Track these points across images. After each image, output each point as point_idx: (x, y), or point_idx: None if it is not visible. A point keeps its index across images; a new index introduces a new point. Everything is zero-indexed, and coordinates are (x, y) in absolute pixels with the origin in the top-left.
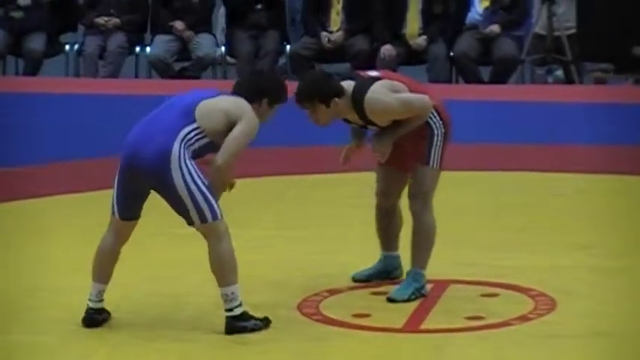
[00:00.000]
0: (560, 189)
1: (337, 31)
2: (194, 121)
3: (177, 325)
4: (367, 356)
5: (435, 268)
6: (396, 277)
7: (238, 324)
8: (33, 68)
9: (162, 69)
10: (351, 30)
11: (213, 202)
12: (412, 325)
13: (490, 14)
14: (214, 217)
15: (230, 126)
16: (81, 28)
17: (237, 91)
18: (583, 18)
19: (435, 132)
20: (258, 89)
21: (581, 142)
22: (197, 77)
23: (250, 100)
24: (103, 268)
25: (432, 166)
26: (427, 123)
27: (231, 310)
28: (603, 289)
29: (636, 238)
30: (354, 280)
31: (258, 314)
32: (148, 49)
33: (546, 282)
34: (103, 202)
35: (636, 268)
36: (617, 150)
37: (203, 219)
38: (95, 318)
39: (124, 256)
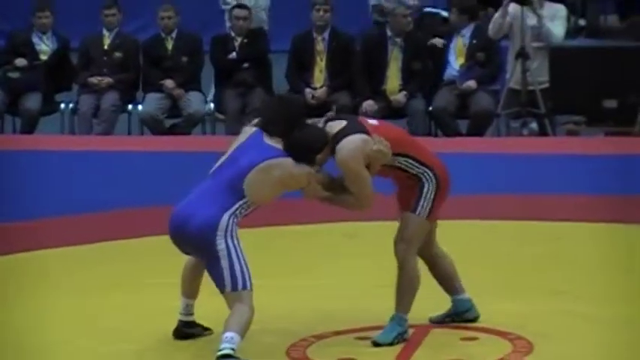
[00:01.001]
0: (536, 237)
1: (321, 87)
2: (244, 196)
3: None
4: None
5: (417, 313)
6: (470, 320)
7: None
8: (29, 126)
9: (153, 126)
10: (334, 86)
11: (247, 271)
12: None
13: (466, 70)
14: (244, 287)
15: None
16: (75, 88)
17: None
18: (555, 73)
19: (426, 185)
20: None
21: (555, 191)
22: (187, 133)
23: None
24: (187, 283)
25: (419, 214)
26: (418, 177)
27: (224, 349)
28: (579, 334)
29: (612, 285)
30: (431, 321)
31: (248, 356)
32: (139, 106)
33: (524, 326)
34: (99, 254)
35: (612, 315)
36: (590, 199)
37: (234, 287)
38: (183, 330)
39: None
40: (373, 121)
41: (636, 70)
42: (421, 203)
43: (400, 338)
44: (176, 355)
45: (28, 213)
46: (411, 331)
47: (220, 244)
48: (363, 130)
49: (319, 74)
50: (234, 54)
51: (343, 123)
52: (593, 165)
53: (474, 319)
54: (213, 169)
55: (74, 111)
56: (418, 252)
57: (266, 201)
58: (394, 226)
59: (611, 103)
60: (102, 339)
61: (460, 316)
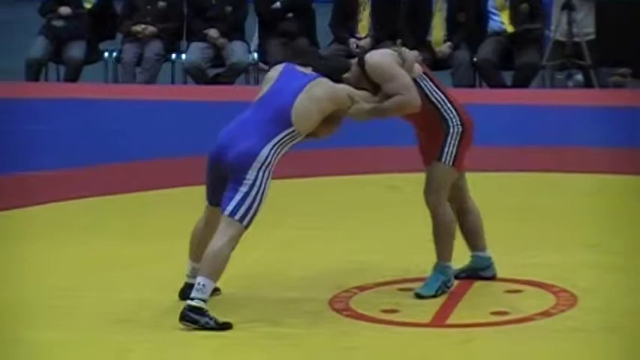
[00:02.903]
0: (577, 189)
1: (365, 37)
2: (291, 125)
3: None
4: (395, 350)
5: (459, 265)
6: (487, 277)
7: (191, 314)
8: (73, 75)
9: (197, 75)
10: (378, 37)
11: (254, 210)
12: (439, 320)
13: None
14: (241, 219)
15: (331, 108)
16: (119, 37)
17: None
18: (601, 24)
19: (451, 130)
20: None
21: (599, 144)
22: (231, 83)
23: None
24: (195, 247)
25: (445, 162)
26: (444, 118)
27: (192, 299)
28: (622, 287)
29: None
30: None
31: (291, 310)
32: (183, 56)
33: (567, 279)
34: (141, 203)
35: None
36: (633, 152)
37: (233, 212)
38: (188, 292)
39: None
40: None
41: None
42: (446, 150)
43: (444, 287)
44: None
45: (72, 161)
46: (455, 282)
47: (251, 174)
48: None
49: (364, 24)
50: (277, 4)
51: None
52: (638, 117)
53: (491, 278)
54: (256, 99)
55: (118, 60)
56: (449, 202)
57: (314, 125)
58: None
59: None
60: (143, 287)
61: (477, 272)
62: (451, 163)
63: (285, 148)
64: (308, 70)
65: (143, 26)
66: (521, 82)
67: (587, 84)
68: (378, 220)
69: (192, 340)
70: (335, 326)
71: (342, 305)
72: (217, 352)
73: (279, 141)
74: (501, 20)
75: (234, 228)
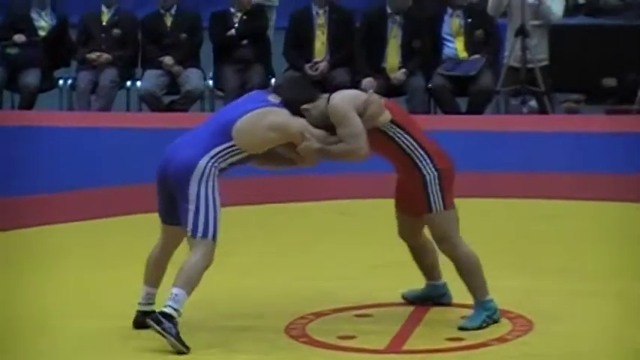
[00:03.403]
0: (535, 215)
1: (321, 61)
2: (229, 139)
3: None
4: None
5: (416, 292)
6: (444, 304)
7: (165, 320)
8: (28, 102)
9: (152, 102)
10: (334, 62)
11: (212, 221)
12: (395, 347)
13: (471, 62)
14: (204, 234)
15: (278, 138)
16: (74, 64)
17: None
18: (555, 50)
19: (427, 178)
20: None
21: (554, 169)
22: (186, 110)
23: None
24: (151, 272)
25: (436, 211)
26: (419, 169)
27: (165, 307)
28: (578, 312)
29: (610, 262)
30: (403, 297)
31: (247, 337)
32: (138, 83)
33: (524, 304)
34: (97, 230)
35: (609, 291)
36: (589, 177)
37: (194, 232)
38: (142, 321)
39: None
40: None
41: (635, 48)
42: (431, 199)
43: (489, 320)
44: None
45: (26, 188)
46: (411, 308)
47: (193, 188)
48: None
49: (321, 47)
50: (232, 30)
51: None
52: (592, 143)
53: (447, 304)
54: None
55: (73, 87)
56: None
57: (254, 148)
58: (386, 203)
59: (610, 81)
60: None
61: (434, 300)
62: (442, 208)
63: (226, 163)
64: (276, 98)
65: (98, 54)
66: (476, 108)
67: (541, 110)
68: (331, 247)
69: None
70: (291, 353)
71: (298, 332)
72: None
73: (218, 153)
74: (455, 46)
75: (202, 245)
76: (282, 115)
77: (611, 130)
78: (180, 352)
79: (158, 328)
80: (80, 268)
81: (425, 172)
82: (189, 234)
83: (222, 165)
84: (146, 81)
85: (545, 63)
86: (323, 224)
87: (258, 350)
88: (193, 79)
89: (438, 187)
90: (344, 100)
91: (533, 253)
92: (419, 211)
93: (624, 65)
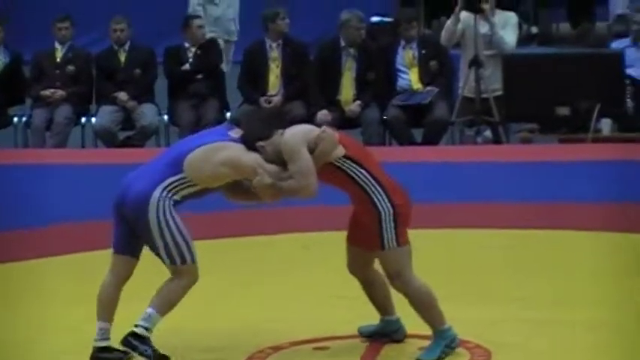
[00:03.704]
0: (491, 244)
1: (275, 95)
2: (181, 171)
3: None
4: None
5: (373, 322)
6: (398, 340)
7: (132, 340)
8: None
9: (107, 138)
10: (288, 95)
11: (185, 248)
12: None
13: (425, 93)
14: (182, 262)
15: (231, 174)
16: (28, 101)
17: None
18: (508, 80)
19: (382, 215)
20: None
21: (510, 199)
22: (141, 145)
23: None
24: (104, 306)
25: (388, 247)
26: (374, 204)
27: (136, 326)
28: (536, 340)
29: (566, 290)
30: (360, 332)
31: None
32: (93, 119)
33: (481, 334)
34: (58, 269)
35: (567, 320)
36: (544, 206)
37: (172, 262)
38: (99, 356)
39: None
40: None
41: (588, 76)
42: (385, 236)
43: (447, 349)
44: None
45: None
46: (368, 342)
47: (152, 220)
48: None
49: (275, 80)
50: (187, 65)
51: None
52: (547, 172)
53: (401, 340)
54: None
55: (27, 124)
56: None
57: (206, 181)
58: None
59: (564, 110)
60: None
61: (388, 335)
62: (395, 245)
63: (179, 195)
64: (237, 133)
65: (52, 90)
66: (431, 139)
67: (496, 140)
68: (291, 280)
69: None
70: None
71: None
72: None
73: (169, 185)
74: (410, 78)
75: (184, 270)
76: (235, 150)
77: (566, 159)
78: None
79: (134, 353)
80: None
81: (380, 208)
82: (167, 264)
83: (176, 197)
84: (101, 117)
85: (499, 93)
86: (280, 257)
87: None
88: (148, 114)
89: (392, 223)
90: (295, 136)
91: (490, 283)
92: (371, 245)
93: (577, 94)
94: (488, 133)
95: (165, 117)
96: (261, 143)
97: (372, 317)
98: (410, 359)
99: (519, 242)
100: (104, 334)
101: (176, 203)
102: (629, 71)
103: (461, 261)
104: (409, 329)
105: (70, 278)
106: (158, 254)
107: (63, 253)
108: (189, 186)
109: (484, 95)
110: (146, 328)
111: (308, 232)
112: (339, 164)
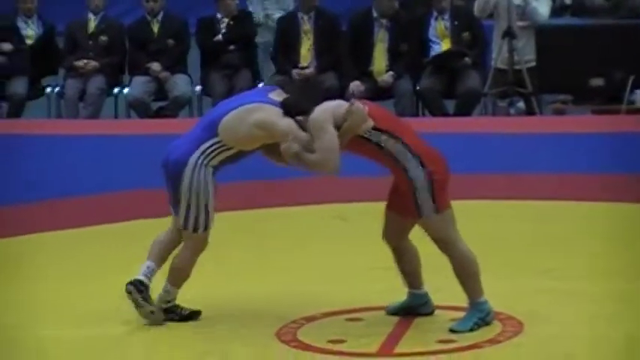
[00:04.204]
0: (523, 216)
1: (307, 67)
2: (216, 135)
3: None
4: None
5: (404, 295)
6: (425, 314)
7: (131, 287)
8: (16, 111)
9: (140, 109)
10: (321, 67)
11: (203, 217)
12: (386, 350)
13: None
14: (195, 229)
15: (263, 136)
16: (61, 72)
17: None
18: (542, 51)
19: (416, 184)
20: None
21: (542, 170)
22: (174, 116)
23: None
24: (153, 247)
25: (427, 215)
26: (407, 173)
27: (133, 286)
28: (569, 312)
29: (599, 263)
30: (387, 311)
31: (239, 343)
32: (126, 90)
33: (514, 306)
34: (85, 238)
35: (599, 292)
36: (578, 178)
37: (185, 226)
38: (134, 283)
39: None
40: (365, 101)
41: (622, 47)
42: (421, 205)
43: (481, 322)
44: (158, 340)
45: (14, 197)
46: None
47: (184, 183)
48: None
49: (306, 53)
50: (219, 36)
51: None
52: (580, 143)
53: (430, 314)
54: None
55: (60, 95)
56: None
57: (240, 143)
58: (380, 207)
59: (597, 82)
60: (81, 324)
61: (415, 309)
62: (434, 211)
63: (217, 160)
64: (277, 96)
65: (85, 61)
66: (464, 110)
67: (529, 111)
68: (325, 251)
69: None
70: (282, 358)
71: (289, 337)
72: None
73: (207, 149)
74: (442, 49)
75: (191, 239)
76: (271, 113)
77: (599, 130)
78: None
79: (138, 296)
80: (61, 278)
81: (414, 176)
82: (180, 226)
83: (213, 163)
84: (134, 88)
85: (533, 64)
86: (316, 228)
87: (250, 356)
88: (181, 84)
89: (427, 191)
90: (324, 111)
91: (522, 254)
92: (408, 212)
93: (611, 65)
94: (521, 104)
95: (198, 87)
96: (300, 118)
97: (404, 289)
98: (442, 330)
99: (551, 214)
100: (146, 272)
101: (214, 170)
102: None
103: (492, 233)
104: (442, 302)
105: (110, 246)
106: (177, 213)
107: (100, 223)
108: (224, 150)
109: (517, 66)
110: (168, 301)
111: (345, 202)
112: (367, 136)
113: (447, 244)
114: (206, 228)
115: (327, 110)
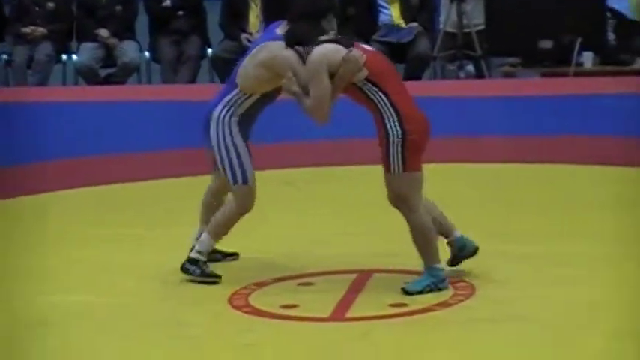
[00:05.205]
0: (472, 179)
1: (256, 32)
2: (236, 86)
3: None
4: (295, 345)
5: (358, 259)
6: (469, 254)
7: (189, 265)
8: None
9: (88, 76)
10: None
11: (240, 168)
12: (338, 314)
13: (407, 31)
14: (235, 181)
15: (270, 75)
16: (9, 39)
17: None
18: (490, 14)
19: (390, 139)
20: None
21: (492, 133)
22: (123, 82)
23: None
24: (202, 211)
25: (393, 172)
26: (385, 127)
27: (191, 250)
28: (520, 275)
29: (549, 225)
30: (449, 265)
31: (189, 309)
32: (74, 56)
33: (465, 269)
34: (37, 207)
35: (548, 253)
36: (526, 140)
37: (234, 180)
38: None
39: None
40: (367, 47)
41: (571, 10)
42: (391, 160)
43: (433, 287)
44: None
45: None
46: (354, 276)
47: (213, 137)
48: (349, 45)
49: (255, 20)
50: (168, 2)
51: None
52: (529, 106)
53: (475, 251)
54: None
55: (8, 62)
56: (392, 204)
57: (253, 87)
58: (329, 172)
59: (546, 44)
60: (68, 291)
61: (462, 253)
62: (401, 170)
63: (242, 108)
64: (282, 30)
65: (33, 28)
66: (414, 75)
67: (479, 74)
68: (274, 217)
69: (96, 342)
70: (235, 324)
71: (241, 302)
72: (121, 354)
73: (229, 100)
74: (391, 13)
75: (238, 192)
76: (272, 49)
77: (548, 92)
78: (213, 283)
79: (192, 276)
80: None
81: (390, 131)
82: (230, 183)
83: (238, 112)
84: (82, 54)
85: (481, 27)
86: (266, 194)
87: (202, 322)
88: (129, 51)
89: (400, 149)
90: (321, 56)
91: (474, 217)
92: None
93: (560, 27)
94: (470, 67)
95: (147, 54)
96: (300, 48)
97: (372, 252)
98: (395, 292)
99: (501, 176)
100: (197, 245)
101: (241, 117)
102: (611, 3)
103: (442, 196)
104: (400, 266)
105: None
106: (223, 169)
107: (51, 190)
108: (245, 99)
109: (466, 30)
110: (200, 252)
111: (291, 168)
112: (360, 85)
113: (405, 202)
114: (245, 181)
115: (325, 55)
